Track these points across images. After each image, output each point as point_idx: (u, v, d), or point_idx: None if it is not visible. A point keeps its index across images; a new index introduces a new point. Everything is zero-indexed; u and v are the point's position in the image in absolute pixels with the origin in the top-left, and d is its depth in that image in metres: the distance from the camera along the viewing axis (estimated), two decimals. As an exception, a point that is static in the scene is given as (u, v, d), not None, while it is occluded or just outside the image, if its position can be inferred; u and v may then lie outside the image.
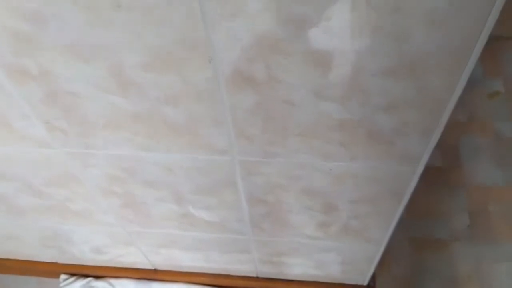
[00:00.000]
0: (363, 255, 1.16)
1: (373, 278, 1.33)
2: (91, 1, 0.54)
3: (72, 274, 1.52)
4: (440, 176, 1.65)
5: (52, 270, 1.51)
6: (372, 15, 0.53)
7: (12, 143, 0.84)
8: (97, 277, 1.51)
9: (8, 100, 0.73)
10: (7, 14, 0.57)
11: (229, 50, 0.59)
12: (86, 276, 1.51)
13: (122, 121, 0.74)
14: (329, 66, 0.60)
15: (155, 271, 1.46)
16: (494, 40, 1.96)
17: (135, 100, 0.69)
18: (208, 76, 0.63)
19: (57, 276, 1.52)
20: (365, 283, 1.34)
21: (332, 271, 1.30)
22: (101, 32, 0.58)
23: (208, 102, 0.68)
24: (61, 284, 1.51)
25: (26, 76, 0.67)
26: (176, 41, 0.58)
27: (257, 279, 1.42)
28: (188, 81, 0.65)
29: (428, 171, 1.59)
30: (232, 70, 0.62)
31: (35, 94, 0.71)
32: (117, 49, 0.61)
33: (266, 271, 1.36)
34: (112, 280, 1.49)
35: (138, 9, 0.55)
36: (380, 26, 0.54)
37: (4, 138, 0.82)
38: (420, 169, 0.78)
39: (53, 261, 1.49)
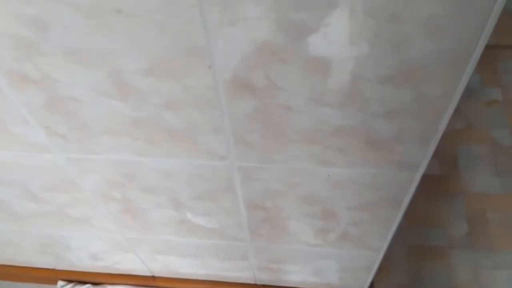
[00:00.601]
0: (362, 262, 1.16)
1: (372, 285, 1.33)
2: (92, 7, 0.55)
3: (70, 281, 1.51)
4: (438, 184, 1.65)
5: (49, 276, 1.50)
6: (370, 22, 0.53)
7: (11, 148, 0.84)
8: (95, 283, 1.50)
9: (8, 105, 0.73)
10: (8, 20, 0.58)
11: (228, 57, 0.60)
12: (84, 282, 1.51)
13: (122, 127, 0.75)
14: (328, 73, 0.60)
15: (153, 278, 1.45)
16: (492, 49, 1.97)
17: (135, 105, 0.70)
18: (208, 82, 0.64)
19: (55, 282, 1.52)
20: (364, 290, 1.34)
21: (330, 279, 1.29)
22: (102, 37, 0.59)
23: (207, 108, 0.69)
24: (59, 291, 1.51)
25: (27, 82, 0.67)
26: (176, 47, 0.59)
27: (255, 286, 1.41)
28: (188, 87, 0.65)
29: (427, 179, 1.60)
30: (232, 76, 0.62)
31: (35, 99, 0.71)
32: (117, 55, 0.61)
33: (265, 278, 1.36)
34: (110, 287, 1.48)
35: (138, 15, 0.55)
36: (378, 34, 0.54)
37: (3, 143, 0.83)
38: (418, 175, 0.79)
39: (51, 267, 1.49)
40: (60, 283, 1.51)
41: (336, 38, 0.55)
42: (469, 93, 1.86)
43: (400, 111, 0.65)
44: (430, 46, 0.55)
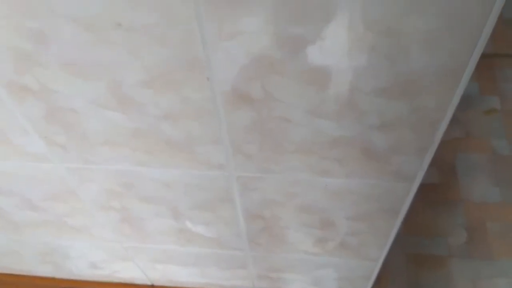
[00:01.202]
0: (360, 271, 1.16)
1: (371, 294, 1.33)
2: (92, 20, 0.56)
3: (69, 289, 1.51)
4: (437, 193, 1.66)
5: (49, 285, 1.50)
6: (367, 36, 0.54)
7: (11, 158, 0.84)
8: (94, 292, 1.50)
9: (8, 116, 0.74)
10: (9, 33, 0.59)
11: (226, 69, 0.60)
12: (83, 291, 1.51)
13: (121, 137, 0.75)
14: (325, 85, 0.61)
15: (153, 286, 1.45)
16: (490, 58, 1.98)
17: (134, 117, 0.70)
18: (206, 94, 0.65)
19: (54, 291, 1.52)
20: (363, 299, 1.34)
21: (329, 287, 1.29)
22: (101, 50, 0.59)
23: (206, 119, 0.69)
24: (58, 299, 1.51)
25: (27, 93, 0.68)
26: (175, 60, 0.60)
27: (254, 295, 1.41)
28: (186, 99, 0.66)
29: (426, 187, 1.60)
30: (230, 88, 0.63)
31: (35, 110, 0.72)
32: (116, 67, 0.62)
33: (264, 286, 1.36)
34: (109, 296, 1.48)
35: (138, 29, 0.56)
36: (374, 47, 0.55)
37: (3, 153, 0.83)
38: (415, 186, 0.79)
39: (50, 276, 1.49)
40: (59, 291, 1.51)
41: (333, 51, 0.56)
42: (467, 102, 1.87)
43: (396, 123, 0.66)
44: (425, 59, 0.56)
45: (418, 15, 0.51)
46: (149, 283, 1.44)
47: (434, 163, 0.72)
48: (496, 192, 1.65)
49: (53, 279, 1.50)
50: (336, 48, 0.56)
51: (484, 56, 0.57)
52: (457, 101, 0.61)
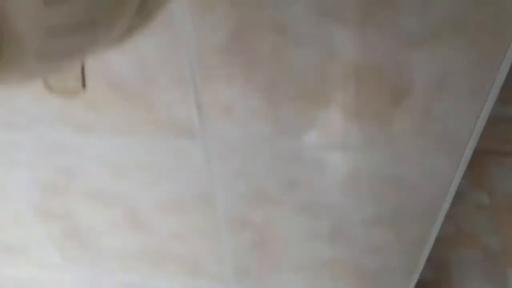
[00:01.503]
0: None
1: None
2: (115, 159, 0.64)
3: None
4: (431, 289, 1.68)
5: None
6: (352, 181, 0.62)
7: (27, 268, 0.90)
8: None
9: (30, 233, 0.80)
10: (41, 168, 0.67)
11: (231, 200, 0.68)
12: None
13: (132, 253, 0.82)
14: (318, 215, 0.69)
15: None
16: (479, 154, 2.08)
17: (146, 236, 0.77)
18: (212, 219, 0.72)
19: None
20: None
21: None
22: (121, 183, 0.67)
23: (210, 239, 0.76)
24: None
25: (51, 215, 0.75)
26: (185, 193, 0.67)
27: None
28: (194, 223, 0.73)
29: (420, 284, 1.62)
30: (233, 216, 0.71)
31: (56, 229, 0.78)
32: (134, 197, 0.69)
33: None
34: None
35: (155, 168, 0.64)
36: (359, 189, 0.63)
37: (20, 264, 0.89)
38: (405, 299, 0.84)
39: None
40: None
41: (324, 190, 0.64)
42: (458, 198, 1.94)
43: (383, 248, 0.73)
44: (404, 201, 0.64)
45: (393, 165, 0.59)
46: None
47: (427, 259, 0.78)
48: (489, 289, 1.67)
49: None
50: (327, 187, 0.64)
51: (473, 152, 0.64)
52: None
